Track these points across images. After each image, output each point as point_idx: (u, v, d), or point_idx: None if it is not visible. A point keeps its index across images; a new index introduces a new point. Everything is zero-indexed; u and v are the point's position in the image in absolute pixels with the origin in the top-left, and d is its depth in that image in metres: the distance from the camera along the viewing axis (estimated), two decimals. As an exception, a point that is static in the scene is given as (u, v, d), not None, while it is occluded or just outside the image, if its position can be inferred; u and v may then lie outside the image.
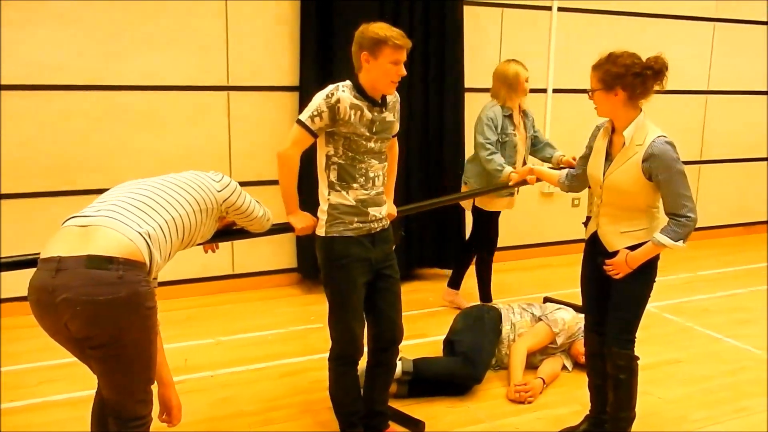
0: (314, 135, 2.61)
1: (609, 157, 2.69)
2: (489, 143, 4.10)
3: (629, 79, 2.53)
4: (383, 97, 2.68)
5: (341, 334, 2.75)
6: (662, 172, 2.53)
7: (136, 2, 4.37)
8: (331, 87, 2.61)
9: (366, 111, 2.62)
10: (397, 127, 2.81)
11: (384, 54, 2.54)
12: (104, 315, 1.97)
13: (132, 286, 1.99)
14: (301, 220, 2.76)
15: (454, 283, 4.66)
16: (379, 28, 2.55)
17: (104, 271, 1.96)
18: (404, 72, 2.62)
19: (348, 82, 2.64)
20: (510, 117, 4.20)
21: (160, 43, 4.49)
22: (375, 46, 2.54)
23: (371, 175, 2.69)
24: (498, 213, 4.48)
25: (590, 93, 2.64)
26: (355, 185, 2.66)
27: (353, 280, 2.68)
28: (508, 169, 3.99)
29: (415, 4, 4.93)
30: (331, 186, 2.67)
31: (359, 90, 2.62)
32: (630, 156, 2.59)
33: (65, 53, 4.29)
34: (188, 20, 4.53)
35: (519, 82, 4.15)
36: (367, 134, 2.64)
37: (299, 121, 2.61)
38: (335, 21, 4.68)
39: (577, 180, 2.99)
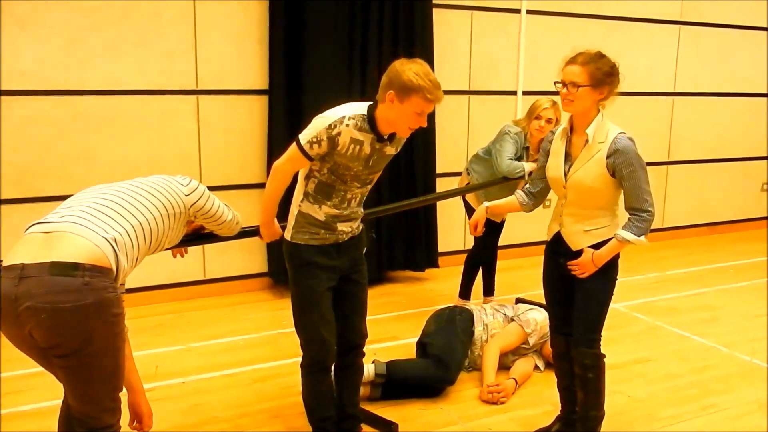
0: (310, 159, 2.51)
1: (569, 158, 2.71)
2: (509, 156, 4.00)
3: (613, 79, 2.58)
4: (392, 133, 2.56)
5: (309, 341, 2.71)
6: (626, 167, 2.57)
7: (101, 5, 4.31)
8: (337, 115, 2.46)
9: (366, 146, 2.49)
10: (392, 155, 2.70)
11: (412, 102, 2.38)
12: (70, 323, 1.93)
13: (98, 292, 1.95)
14: (270, 234, 2.75)
15: (465, 294, 4.53)
16: (416, 75, 2.36)
17: (69, 277, 1.92)
18: (425, 123, 2.46)
19: (360, 111, 2.48)
20: (527, 150, 4.12)
21: (127, 46, 4.42)
22: (405, 91, 2.36)
23: (348, 197, 2.63)
24: (494, 222, 4.34)
25: (574, 87, 2.54)
26: (329, 203, 2.60)
27: (317, 286, 2.64)
28: (527, 165, 3.96)
29: (384, 7, 4.92)
30: (306, 195, 2.62)
31: (371, 121, 2.48)
32: (593, 153, 2.62)
33: (27, 58, 4.19)
34: (156, 23, 4.47)
35: (532, 113, 4.04)
36: (360, 168, 2.55)
37: (298, 142, 2.49)
38: (304, 23, 4.66)
39: (540, 194, 2.94)
